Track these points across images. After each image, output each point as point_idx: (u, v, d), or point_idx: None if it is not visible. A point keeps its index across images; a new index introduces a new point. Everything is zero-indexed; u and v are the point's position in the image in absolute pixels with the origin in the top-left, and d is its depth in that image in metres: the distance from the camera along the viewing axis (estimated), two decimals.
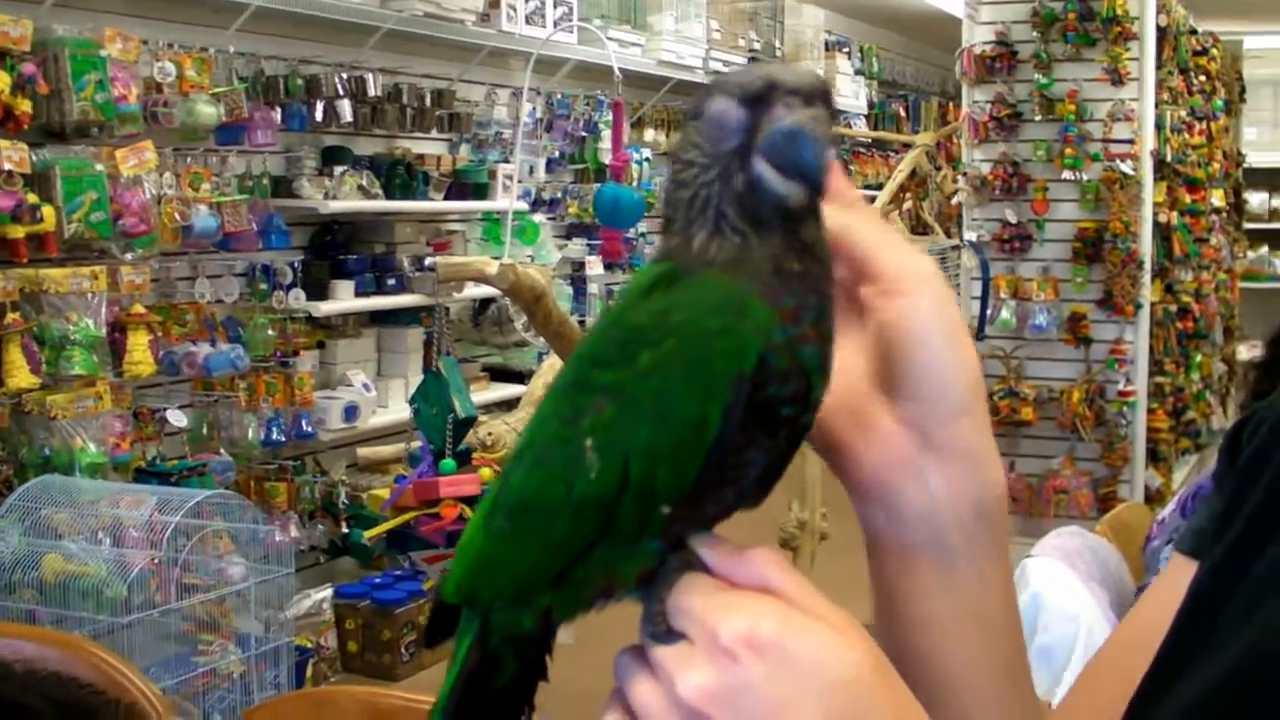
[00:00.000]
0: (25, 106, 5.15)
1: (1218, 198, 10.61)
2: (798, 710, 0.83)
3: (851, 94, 12.91)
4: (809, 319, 0.87)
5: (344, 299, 6.92)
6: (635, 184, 9.15)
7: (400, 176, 7.24)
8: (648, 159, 9.59)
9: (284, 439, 6.44)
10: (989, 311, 7.99)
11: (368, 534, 4.71)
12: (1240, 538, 0.99)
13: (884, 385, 0.98)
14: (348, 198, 6.82)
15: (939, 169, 7.70)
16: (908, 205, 7.85)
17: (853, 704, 0.84)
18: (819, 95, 0.87)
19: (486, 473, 3.69)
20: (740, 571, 0.87)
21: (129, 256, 5.64)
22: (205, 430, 6.23)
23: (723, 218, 0.87)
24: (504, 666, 0.95)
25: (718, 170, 0.87)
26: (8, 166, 5.05)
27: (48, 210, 5.19)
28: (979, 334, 7.68)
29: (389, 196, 7.13)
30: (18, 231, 5.09)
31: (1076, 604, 3.45)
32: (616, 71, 4.98)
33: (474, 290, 7.01)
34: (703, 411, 0.84)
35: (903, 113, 14.53)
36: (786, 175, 0.86)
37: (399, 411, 6.70)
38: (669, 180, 0.91)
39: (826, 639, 0.85)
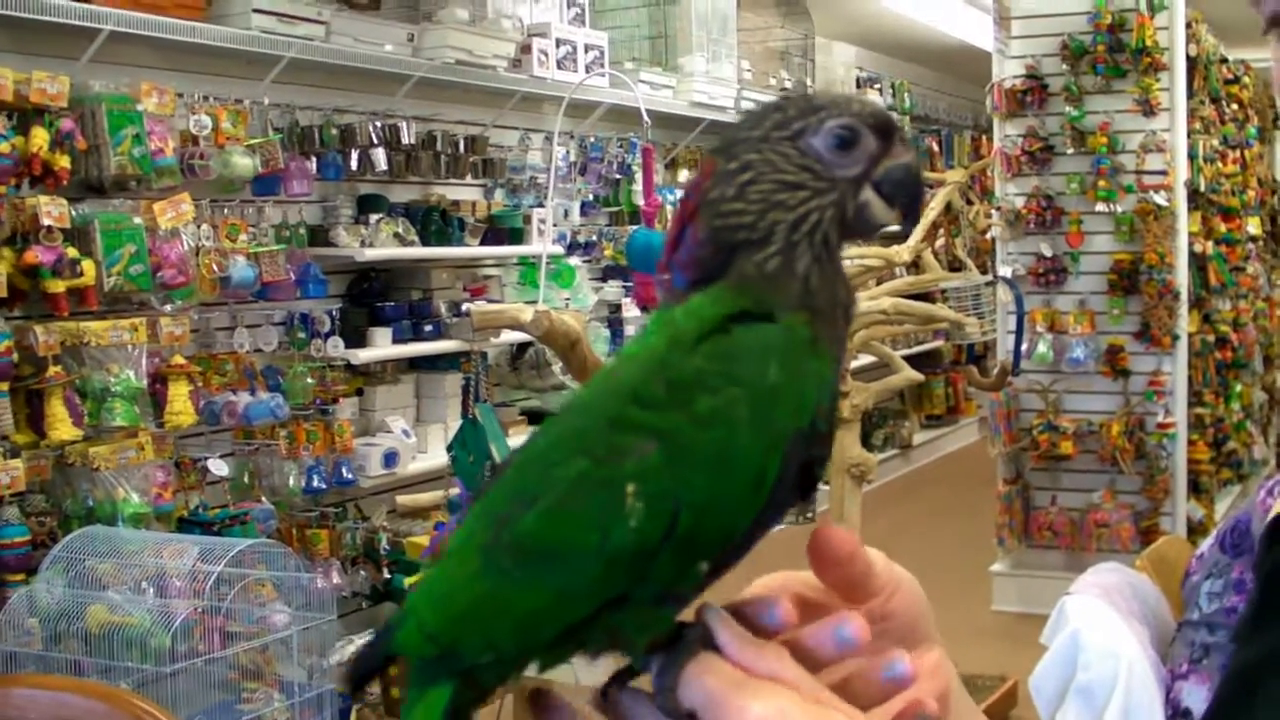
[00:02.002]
0: (64, 162, 5.20)
1: (1254, 226, 10.58)
2: None
3: None
4: (839, 373, 0.88)
5: (382, 346, 6.95)
6: (669, 226, 9.16)
7: (435, 223, 7.28)
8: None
9: (325, 486, 6.46)
10: (1025, 346, 7.98)
11: (409, 580, 4.73)
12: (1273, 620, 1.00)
13: None
14: (384, 245, 6.86)
15: (971, 204, 7.70)
16: (941, 241, 7.86)
17: None
18: (908, 136, 0.90)
19: None
20: (757, 661, 0.84)
21: (168, 308, 5.68)
22: (246, 479, 6.27)
23: (827, 243, 0.87)
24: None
25: (835, 195, 0.87)
26: (48, 222, 5.10)
27: (87, 264, 5.24)
28: (1014, 368, 7.66)
29: (425, 243, 7.16)
30: (58, 286, 5.13)
31: (1117, 641, 3.44)
32: (645, 117, 5.00)
33: (512, 334, 7.04)
34: (763, 466, 0.82)
35: (936, 147, 14.53)
36: (892, 206, 0.89)
37: (439, 457, 6.72)
38: (748, 198, 0.87)
39: None
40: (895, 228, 0.93)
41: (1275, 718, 0.91)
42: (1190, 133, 8.32)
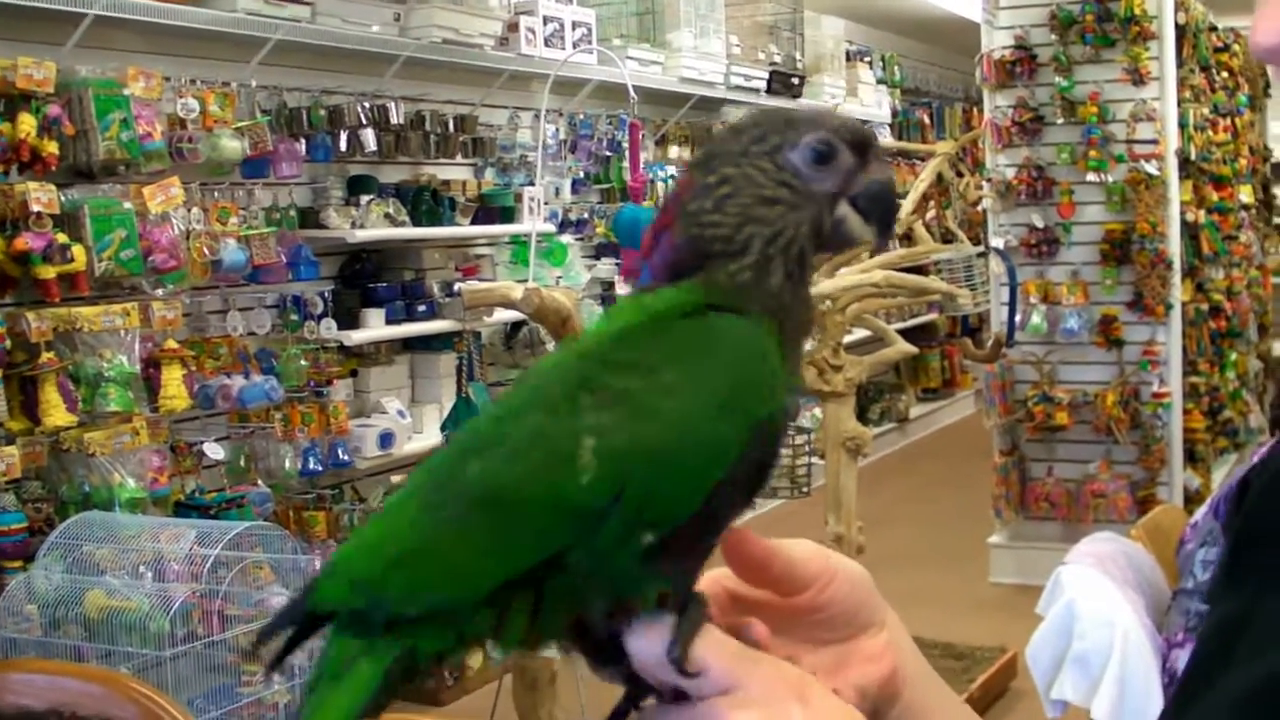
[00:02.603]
0: (52, 148, 5.19)
1: (1246, 194, 10.56)
2: None
3: (874, 103, 12.92)
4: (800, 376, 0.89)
5: (375, 327, 6.95)
6: (659, 202, 9.16)
7: (426, 203, 7.27)
8: (672, 176, 9.60)
9: (321, 468, 6.47)
10: (1018, 317, 7.98)
11: None
12: (1248, 579, 1.00)
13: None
14: (375, 226, 6.86)
15: (962, 176, 7.70)
16: (932, 214, 7.85)
17: None
18: (883, 152, 0.92)
19: None
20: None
21: (160, 292, 5.68)
22: (242, 462, 6.27)
23: (802, 258, 0.88)
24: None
25: (811, 210, 0.89)
26: (37, 208, 5.10)
27: (78, 250, 5.24)
28: (1009, 340, 7.66)
29: (416, 223, 7.16)
30: (49, 272, 5.13)
31: (1112, 610, 3.45)
32: (632, 93, 5.00)
33: (504, 314, 7.04)
34: (722, 445, 0.82)
35: (927, 120, 14.52)
36: (868, 221, 0.90)
37: (434, 437, 6.73)
38: (725, 211, 0.88)
39: (840, 702, 0.88)
40: (869, 244, 0.94)
41: (1251, 674, 0.91)
42: (1180, 101, 8.31)
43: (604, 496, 0.80)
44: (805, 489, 5.96)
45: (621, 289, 8.78)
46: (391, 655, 0.82)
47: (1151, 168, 7.94)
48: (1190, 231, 8.66)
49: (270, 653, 0.90)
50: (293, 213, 6.57)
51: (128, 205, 5.49)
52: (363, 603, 0.82)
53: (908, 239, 6.08)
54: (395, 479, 5.59)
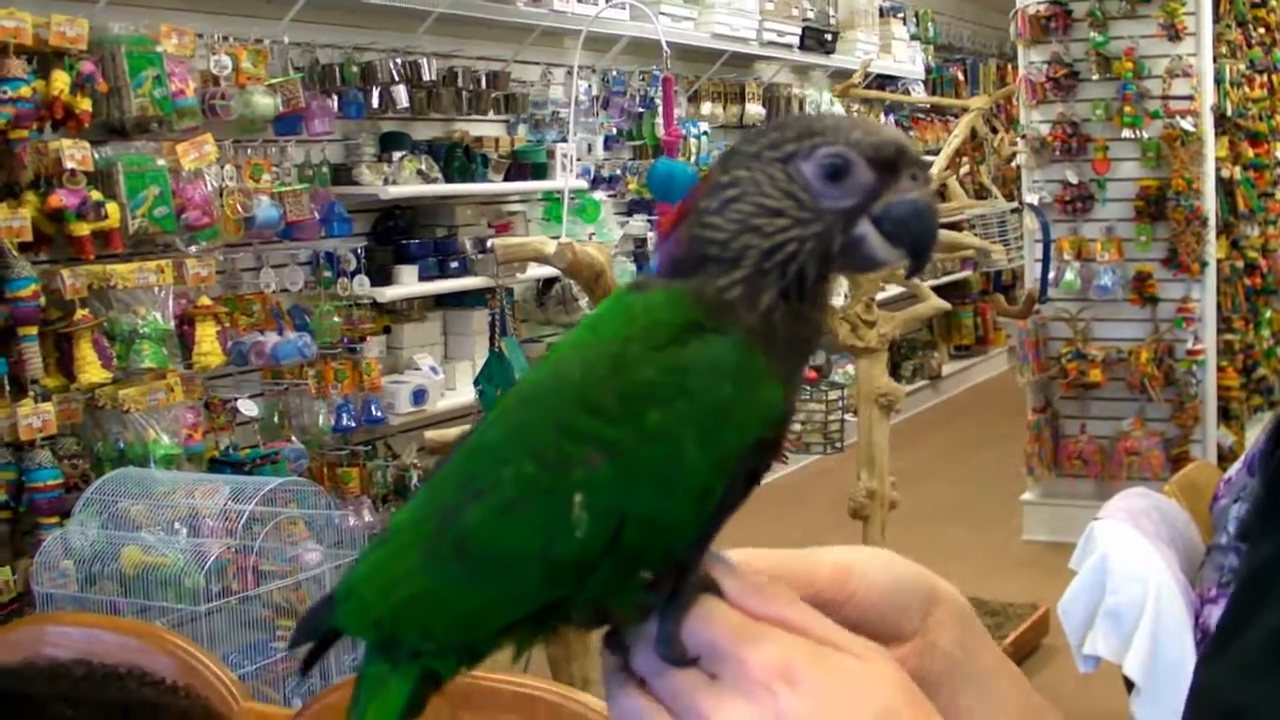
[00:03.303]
0: (85, 105, 5.19)
1: None
2: None
3: (908, 59, 12.85)
4: (793, 403, 0.85)
5: (408, 284, 6.96)
6: (692, 158, 9.15)
7: (459, 159, 7.27)
8: (705, 133, 9.58)
9: (354, 424, 6.49)
10: (1052, 274, 7.95)
11: None
12: None
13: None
14: (407, 183, 6.86)
15: (996, 132, 7.66)
16: (966, 170, 7.82)
17: None
18: (927, 171, 0.85)
19: None
20: (764, 606, 0.85)
21: (193, 249, 5.70)
22: (276, 419, 6.29)
23: (801, 278, 0.83)
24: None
25: (819, 227, 0.83)
26: (70, 165, 5.11)
27: (112, 207, 5.25)
28: (1042, 296, 7.63)
29: (448, 180, 7.15)
30: (83, 229, 5.14)
31: (1145, 565, 3.44)
32: (664, 46, 4.98)
33: (537, 270, 7.03)
34: (710, 482, 0.81)
35: (961, 76, 14.44)
36: (896, 244, 0.84)
37: (467, 393, 6.73)
38: (727, 215, 0.84)
39: (858, 671, 0.83)
40: (899, 267, 0.88)
41: None
42: (1216, 57, 8.24)
43: (596, 549, 0.81)
44: (838, 444, 5.96)
45: (655, 244, 8.77)
46: (415, 676, 0.87)
47: (1187, 124, 7.89)
48: (1225, 188, 8.59)
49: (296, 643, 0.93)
50: (325, 169, 6.58)
51: (161, 162, 5.50)
52: (383, 637, 0.87)
53: (941, 195, 6.05)
54: (428, 434, 5.58)
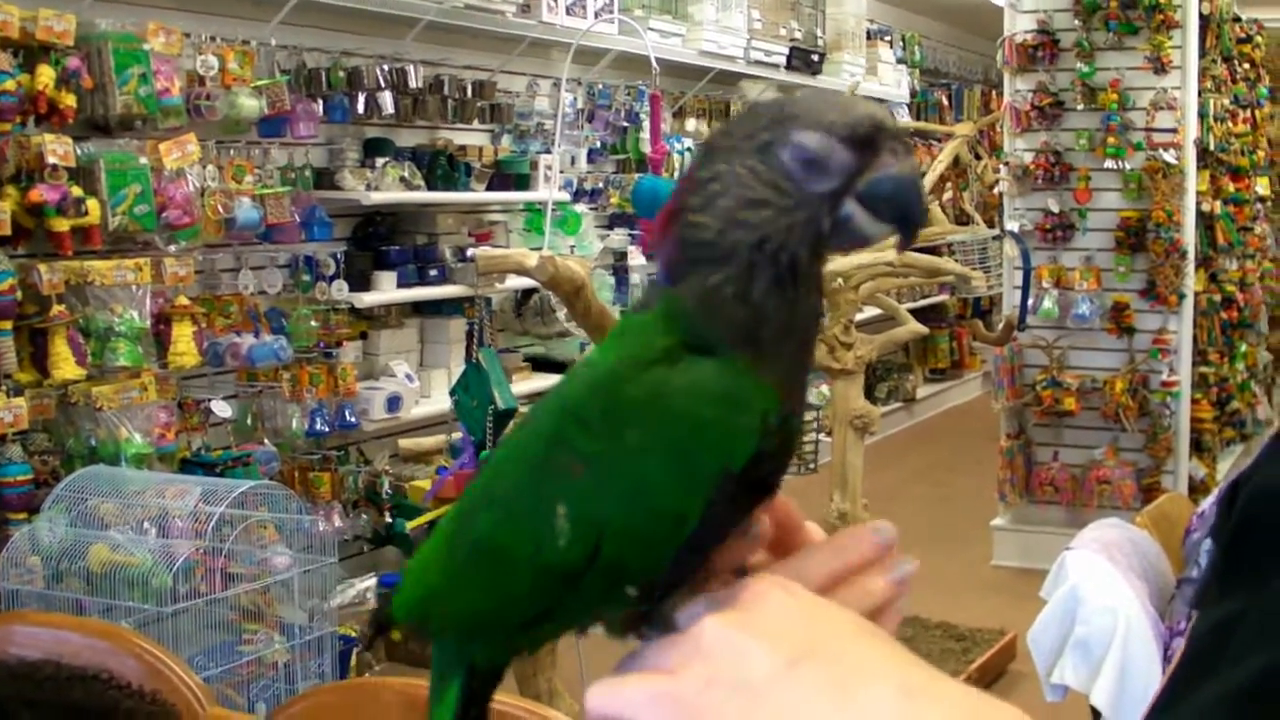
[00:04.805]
0: (70, 101, 5.18)
1: (1262, 186, 10.52)
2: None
3: (894, 83, 12.88)
4: (802, 390, 0.86)
5: (386, 290, 6.94)
6: (675, 174, 9.15)
7: (442, 168, 7.26)
8: (689, 149, 9.59)
9: (327, 429, 6.47)
10: (1031, 301, 7.97)
11: (410, 524, 4.73)
12: (1240, 580, 0.99)
13: None
14: (390, 189, 6.85)
15: (980, 158, 7.68)
16: (949, 195, 7.84)
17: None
18: (908, 141, 0.85)
19: None
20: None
21: (173, 249, 5.68)
22: (249, 421, 6.27)
23: (794, 265, 0.83)
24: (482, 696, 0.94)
25: (805, 213, 0.83)
26: (52, 160, 5.09)
27: (92, 203, 5.23)
28: (1020, 323, 7.66)
29: (431, 188, 7.14)
30: (63, 224, 5.13)
31: (1115, 597, 3.45)
32: (654, 64, 4.99)
33: (516, 281, 7.03)
34: (682, 506, 0.81)
35: (945, 101, 14.48)
36: (883, 219, 0.84)
37: (442, 402, 6.72)
38: (713, 211, 0.84)
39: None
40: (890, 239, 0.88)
41: (1246, 669, 0.91)
42: (1201, 91, 8.28)
43: (579, 559, 0.83)
44: (812, 465, 5.96)
45: (635, 259, 8.78)
46: (462, 668, 0.92)
47: (1169, 156, 7.92)
48: (1206, 221, 8.63)
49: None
50: (308, 173, 6.56)
51: (143, 160, 5.49)
52: (413, 622, 0.94)
53: None
54: (402, 442, 5.59)
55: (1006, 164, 8.27)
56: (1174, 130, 7.94)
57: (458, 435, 4.63)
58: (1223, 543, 1.06)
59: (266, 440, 6.23)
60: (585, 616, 0.87)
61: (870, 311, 8.39)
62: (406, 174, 6.95)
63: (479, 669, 0.92)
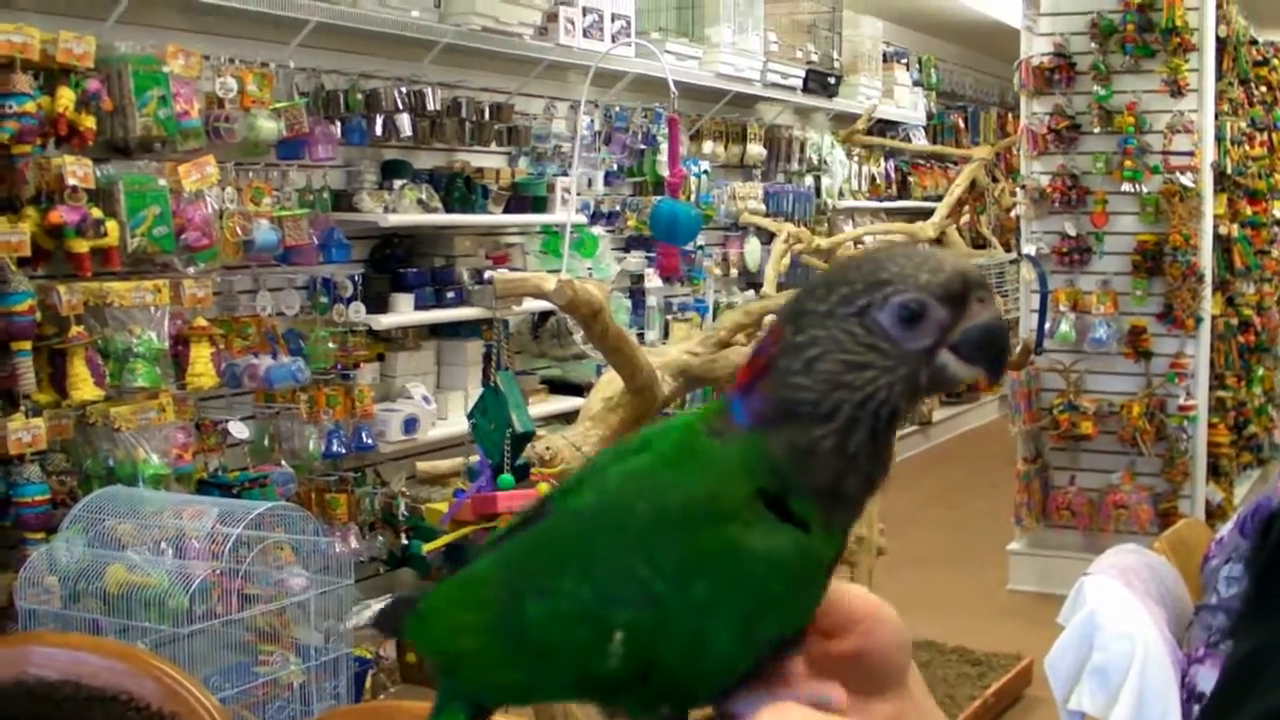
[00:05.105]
0: (89, 123, 5.20)
1: (1279, 210, 10.53)
2: None
3: (910, 105, 12.89)
4: (853, 521, 0.90)
5: (404, 312, 6.95)
6: (692, 197, 9.16)
7: (459, 190, 7.27)
8: (706, 171, 9.60)
9: (344, 451, 6.47)
10: (1048, 325, 7.96)
11: (427, 547, 4.71)
12: (1275, 608, 1.00)
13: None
14: (407, 211, 6.86)
15: (996, 181, 7.67)
16: (966, 219, 7.83)
17: None
18: (991, 288, 0.89)
19: (544, 488, 3.70)
20: None
21: (191, 270, 5.70)
22: (266, 442, 6.28)
23: (894, 415, 0.87)
24: None
25: (905, 370, 0.86)
26: (72, 182, 5.11)
27: (111, 225, 5.25)
28: (1037, 347, 7.64)
29: (448, 210, 7.16)
30: (82, 246, 5.15)
31: (1133, 623, 3.44)
32: (672, 87, 4.99)
33: (533, 303, 7.04)
34: (735, 660, 0.86)
35: (961, 124, 14.48)
36: (975, 364, 0.88)
37: (459, 424, 6.72)
38: (814, 375, 0.86)
39: None
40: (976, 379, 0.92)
41: (1275, 697, 0.92)
42: (1218, 114, 8.27)
43: (625, 679, 0.87)
44: None
45: (652, 281, 8.78)
46: (469, 705, 0.97)
47: (1186, 180, 7.91)
48: (1223, 245, 8.62)
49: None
50: (326, 195, 6.58)
51: (162, 182, 5.51)
52: (437, 664, 0.97)
53: (938, 242, 6.06)
54: (419, 464, 5.57)
55: (1023, 187, 8.27)
56: (1191, 153, 7.93)
57: (475, 458, 4.61)
58: (1255, 573, 1.07)
59: (284, 461, 6.24)
60: (613, 707, 0.91)
61: None
62: (424, 196, 6.96)
63: (486, 708, 0.98)
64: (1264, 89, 10.17)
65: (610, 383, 4.24)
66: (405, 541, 6.61)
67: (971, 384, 0.86)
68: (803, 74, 10.54)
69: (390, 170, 7.02)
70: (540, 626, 0.89)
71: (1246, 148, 9.36)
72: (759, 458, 0.86)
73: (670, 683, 0.87)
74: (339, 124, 6.66)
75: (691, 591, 0.84)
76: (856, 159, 12.18)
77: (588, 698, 0.91)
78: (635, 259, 8.91)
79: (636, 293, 8.89)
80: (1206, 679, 3.37)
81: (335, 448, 6.41)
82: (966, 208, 7.42)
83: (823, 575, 0.88)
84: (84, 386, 5.16)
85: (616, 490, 0.91)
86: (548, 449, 3.98)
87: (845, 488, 0.87)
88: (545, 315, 7.96)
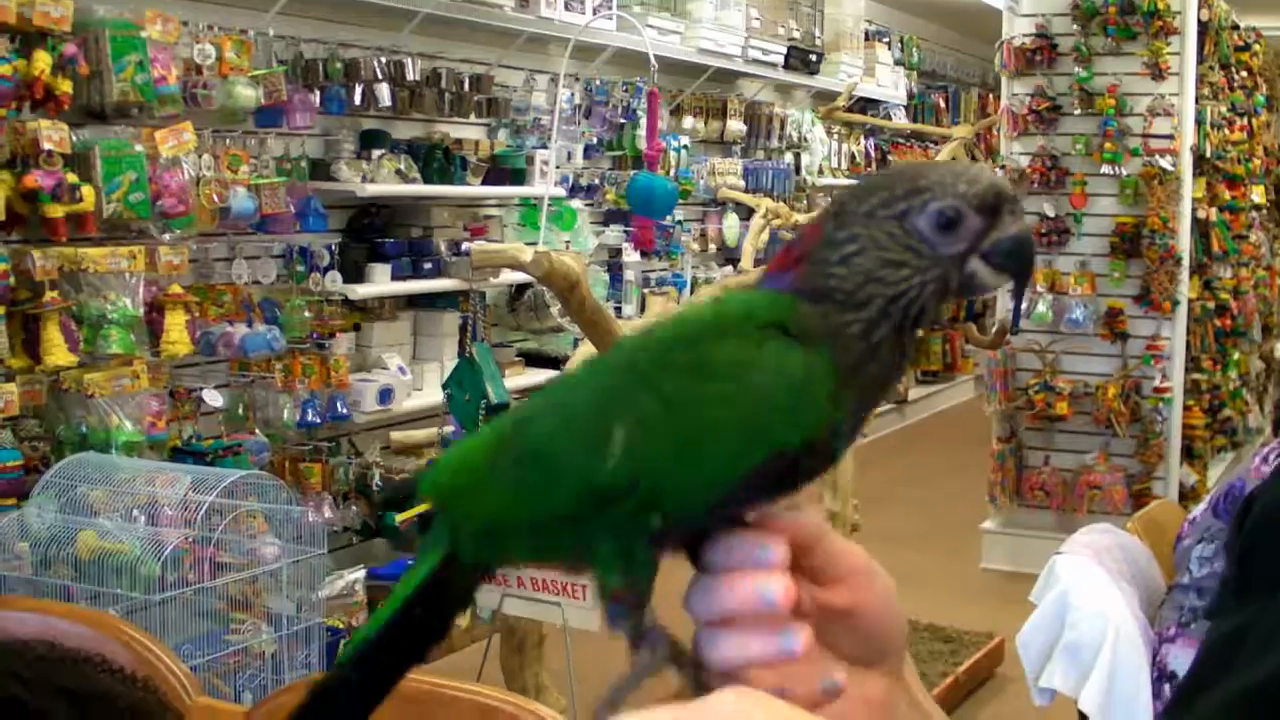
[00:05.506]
0: (66, 87, 5.17)
1: (1258, 194, 10.55)
2: None
3: (891, 84, 12.89)
4: (860, 425, 0.93)
5: (380, 282, 6.93)
6: (671, 172, 9.15)
7: (438, 161, 7.25)
8: (685, 147, 9.58)
9: (319, 420, 6.45)
10: (1024, 305, 7.97)
11: (400, 517, 4.71)
12: (1253, 591, 1.01)
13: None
14: (385, 181, 6.84)
15: (976, 161, 7.68)
16: None
17: None
18: (1020, 204, 0.93)
19: None
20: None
21: (167, 237, 5.66)
22: (241, 410, 6.26)
23: (921, 314, 0.91)
24: (439, 604, 0.99)
25: (937, 271, 0.91)
26: (48, 146, 5.08)
27: (87, 190, 5.22)
28: (1013, 327, 7.66)
29: (426, 181, 7.13)
30: (57, 211, 5.11)
31: (1105, 602, 3.45)
32: (652, 61, 4.98)
33: (510, 275, 7.02)
34: (728, 466, 0.87)
35: (942, 104, 14.49)
36: (1003, 273, 0.93)
37: (434, 394, 6.71)
38: (851, 267, 0.90)
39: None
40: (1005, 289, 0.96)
41: (1252, 673, 0.93)
42: (1198, 98, 8.29)
43: (618, 484, 0.88)
44: None
45: (630, 255, 8.77)
46: (440, 553, 0.97)
47: (1166, 163, 7.93)
48: (1201, 229, 8.64)
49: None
50: (304, 164, 6.55)
51: (139, 148, 5.48)
52: (436, 502, 0.99)
53: None
54: (394, 434, 5.58)
55: (1003, 167, 8.27)
56: (1171, 137, 7.95)
57: (450, 429, 4.62)
58: (1235, 555, 1.08)
59: (258, 430, 6.22)
60: (594, 541, 0.91)
61: None
62: (402, 166, 6.94)
63: (461, 561, 0.97)
64: (1244, 74, 10.18)
65: (587, 354, 4.23)
66: (379, 512, 6.60)
67: (988, 296, 0.92)
68: (784, 51, 10.52)
69: (369, 140, 7.00)
70: (543, 440, 0.92)
71: (1226, 132, 9.38)
72: (786, 306, 0.90)
73: (660, 488, 0.88)
74: (318, 93, 6.62)
75: (698, 391, 0.87)
76: (836, 137, 12.18)
77: (575, 514, 0.90)
78: (614, 233, 8.90)
79: (614, 267, 8.88)
80: (1178, 658, 3.38)
81: (310, 417, 6.39)
82: None
83: (829, 408, 0.88)
84: (58, 352, 5.13)
85: (633, 337, 0.95)
86: None
87: (863, 372, 0.90)
88: (522, 288, 7.95)
